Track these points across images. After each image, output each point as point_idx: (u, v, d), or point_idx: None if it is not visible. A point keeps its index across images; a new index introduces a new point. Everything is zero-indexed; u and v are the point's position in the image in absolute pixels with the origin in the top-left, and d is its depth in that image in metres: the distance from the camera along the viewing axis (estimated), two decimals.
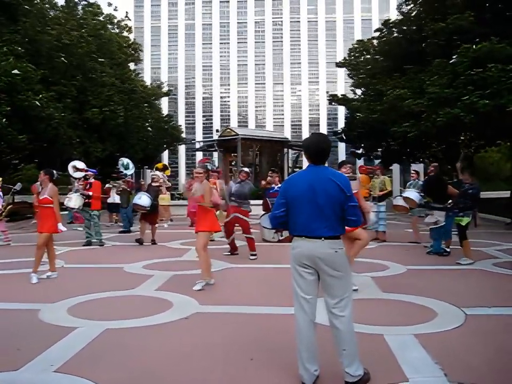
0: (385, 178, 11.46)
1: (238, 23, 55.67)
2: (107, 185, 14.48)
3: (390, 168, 32.66)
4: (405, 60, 19.07)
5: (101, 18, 27.77)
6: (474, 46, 14.72)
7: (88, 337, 4.26)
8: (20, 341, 4.19)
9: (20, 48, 17.88)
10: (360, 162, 32.19)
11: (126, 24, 31.32)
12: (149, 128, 28.58)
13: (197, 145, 34.30)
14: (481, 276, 7.11)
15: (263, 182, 12.20)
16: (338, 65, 29.84)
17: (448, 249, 9.00)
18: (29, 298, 5.88)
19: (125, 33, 31.41)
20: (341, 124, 37.98)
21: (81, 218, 12.57)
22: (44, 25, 20.04)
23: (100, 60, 23.47)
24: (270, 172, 12.79)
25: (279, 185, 10.85)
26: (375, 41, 25.05)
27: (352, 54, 27.69)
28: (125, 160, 14.45)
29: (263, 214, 10.58)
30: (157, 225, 11.79)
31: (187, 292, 5.92)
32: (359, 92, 27.37)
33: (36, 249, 6.96)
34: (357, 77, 26.82)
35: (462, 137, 18.74)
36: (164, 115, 35.11)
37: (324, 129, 49.88)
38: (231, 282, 6.74)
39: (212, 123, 54.17)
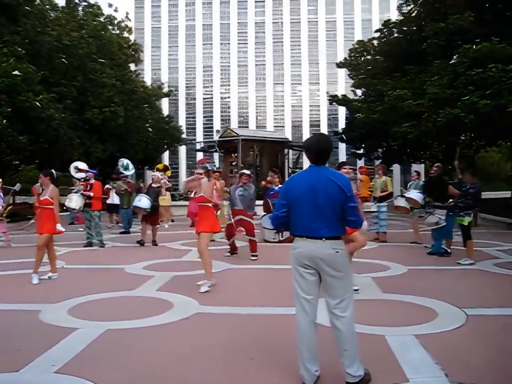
0: (386, 179, 11.46)
1: (238, 23, 55.66)
2: (106, 186, 14.48)
3: (391, 168, 32.64)
4: (405, 60, 19.08)
5: (101, 19, 27.81)
6: (474, 46, 14.73)
7: (89, 338, 4.26)
8: (20, 342, 4.19)
9: (20, 49, 17.89)
10: (360, 162, 32.22)
11: (126, 25, 31.37)
12: (149, 129, 28.58)
13: (198, 146, 34.34)
14: (482, 276, 7.11)
15: (263, 182, 12.19)
16: (339, 65, 29.85)
17: (449, 250, 9.00)
18: (30, 299, 5.88)
19: (125, 34, 31.45)
20: (342, 124, 37.97)
21: (82, 218, 12.58)
22: (44, 26, 20.07)
23: (100, 60, 23.48)
24: (270, 172, 12.79)
25: (279, 186, 10.86)
26: (375, 42, 25.06)
27: (352, 54, 27.69)
28: (125, 161, 14.45)
29: (264, 215, 10.58)
30: (158, 225, 11.79)
31: (187, 293, 5.92)
32: (359, 92, 27.38)
33: (37, 250, 6.96)
34: (357, 78, 26.81)
35: (462, 137, 18.72)
36: (164, 116, 35.14)
37: (324, 129, 49.85)
38: (232, 283, 6.74)
39: (212, 124, 54.16)
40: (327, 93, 37.06)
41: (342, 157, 43.63)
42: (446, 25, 16.24)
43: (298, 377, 3.27)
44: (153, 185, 11.48)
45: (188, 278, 6.91)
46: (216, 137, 34.61)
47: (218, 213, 12.98)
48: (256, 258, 8.75)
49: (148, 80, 44.26)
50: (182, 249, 10.26)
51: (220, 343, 4.12)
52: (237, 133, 25.10)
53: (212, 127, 52.76)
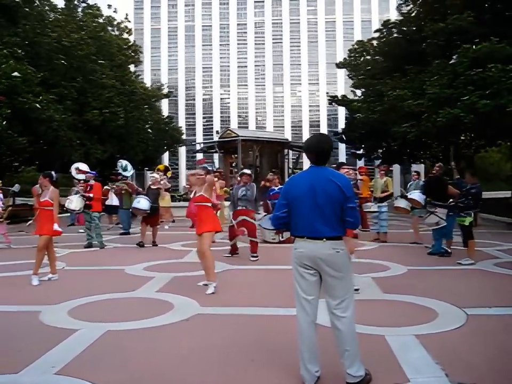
0: (387, 180, 11.46)
1: (237, 24, 55.71)
2: (105, 187, 14.48)
3: (391, 168, 32.66)
4: (405, 60, 19.08)
5: (100, 20, 27.82)
6: (474, 46, 14.73)
7: (89, 339, 4.26)
8: (20, 343, 4.19)
9: (20, 51, 17.92)
10: (360, 163, 32.22)
11: (125, 26, 31.36)
12: (149, 130, 28.60)
13: (197, 147, 34.33)
14: (482, 276, 7.10)
15: (263, 182, 12.17)
16: (338, 66, 29.88)
17: (449, 250, 9.00)
18: (30, 300, 5.88)
19: (125, 35, 31.44)
20: (341, 124, 38.02)
21: (83, 220, 12.58)
22: (43, 28, 20.09)
23: (99, 61, 23.50)
24: (270, 173, 12.78)
25: (279, 186, 10.86)
26: (375, 42, 25.06)
27: (352, 54, 27.70)
28: (124, 162, 14.46)
29: (264, 215, 10.57)
30: (158, 226, 11.78)
31: (188, 294, 5.92)
32: (359, 92, 27.37)
33: (37, 251, 6.96)
34: (357, 78, 26.82)
35: (462, 137, 18.74)
36: (164, 117, 35.16)
37: (324, 130, 49.88)
38: (232, 283, 6.73)
39: (212, 124, 54.20)
40: (327, 93, 37.07)
41: (342, 157, 43.67)
42: (446, 25, 16.25)
43: (298, 377, 3.27)
44: (152, 186, 11.46)
45: (188, 279, 6.91)
46: (216, 137, 34.62)
47: (218, 213, 13.04)
48: (257, 259, 8.75)
49: (148, 81, 44.33)
50: (183, 250, 10.25)
51: (220, 344, 4.12)
52: (236, 134, 25.10)
53: (212, 128, 52.79)
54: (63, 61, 20.11)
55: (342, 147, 41.37)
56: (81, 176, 11.71)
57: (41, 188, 7.22)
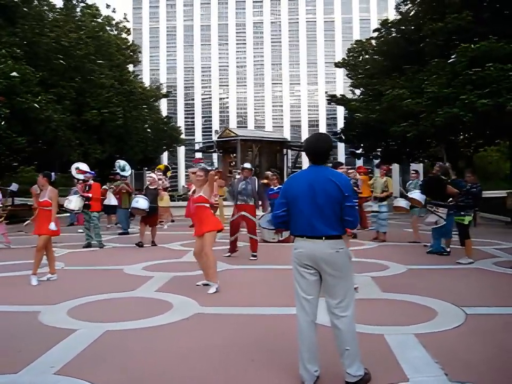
0: (387, 180, 11.46)
1: (236, 24, 55.65)
2: (103, 187, 14.49)
3: (390, 167, 32.65)
4: (404, 59, 19.11)
5: (99, 20, 27.82)
6: (472, 45, 14.74)
7: (88, 339, 4.25)
8: (19, 343, 4.18)
9: (18, 51, 17.90)
10: (359, 162, 32.22)
11: (124, 26, 31.35)
12: (148, 130, 28.60)
13: (196, 146, 34.26)
14: (481, 275, 7.11)
15: (264, 180, 12.16)
16: (337, 65, 29.90)
17: (448, 249, 9.01)
18: (29, 300, 5.87)
19: (124, 35, 31.43)
20: (340, 124, 37.95)
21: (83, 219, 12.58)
22: (42, 28, 20.08)
23: (98, 61, 23.50)
24: (268, 171, 12.76)
25: (278, 186, 10.86)
26: (373, 41, 25.10)
27: (350, 54, 27.74)
28: (121, 162, 14.46)
29: (263, 215, 10.57)
30: (157, 226, 11.78)
31: (187, 293, 5.91)
32: (358, 92, 27.40)
33: (36, 251, 6.96)
34: (355, 77, 26.85)
35: (461, 136, 18.77)
36: (163, 116, 35.14)
37: (323, 129, 49.82)
38: (231, 283, 6.72)
39: (211, 124, 54.12)
40: (326, 92, 37.08)
41: (341, 156, 43.64)
42: (444, 24, 16.27)
43: (298, 377, 3.27)
44: (150, 186, 11.44)
45: (188, 278, 6.91)
46: (214, 137, 34.59)
47: (218, 212, 13.03)
48: (256, 258, 8.75)
49: (146, 81, 44.27)
50: (182, 249, 10.24)
51: (219, 344, 4.12)
52: (235, 133, 25.08)
53: (211, 128, 52.71)
54: (61, 61, 20.10)
55: (341, 146, 41.36)
56: (81, 176, 11.71)
57: (39, 188, 7.22)
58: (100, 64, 23.67)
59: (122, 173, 14.10)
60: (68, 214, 15.30)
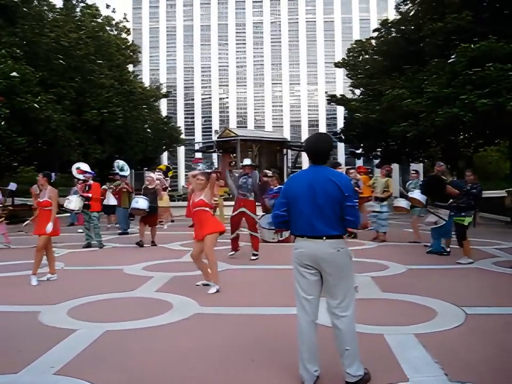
0: (388, 180, 11.45)
1: (236, 24, 55.64)
2: (103, 187, 14.50)
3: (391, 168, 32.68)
4: (403, 59, 19.12)
5: (99, 20, 27.83)
6: (472, 46, 14.75)
7: (88, 339, 4.25)
8: (19, 343, 4.18)
9: (18, 51, 17.90)
10: (359, 162, 32.20)
11: (124, 26, 31.36)
12: (148, 130, 28.60)
13: (196, 147, 34.25)
14: (481, 275, 7.11)
15: (264, 178, 12.13)
16: (337, 65, 29.91)
17: (448, 249, 9.01)
18: (29, 300, 5.87)
19: (123, 35, 31.44)
20: (340, 124, 37.93)
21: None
22: (42, 28, 20.08)
23: (98, 61, 23.51)
24: (267, 169, 12.74)
25: (278, 186, 10.87)
26: (373, 41, 25.10)
27: (350, 54, 27.75)
28: (120, 162, 14.46)
29: (263, 215, 10.58)
30: (157, 226, 11.78)
31: (187, 293, 5.91)
32: (357, 92, 27.40)
33: (36, 251, 6.96)
34: (355, 77, 26.85)
35: (461, 136, 18.78)
36: (162, 116, 35.14)
37: (323, 129, 49.80)
38: (231, 283, 6.72)
39: (211, 124, 54.11)
40: (326, 92, 37.12)
41: (341, 156, 43.65)
42: (444, 24, 16.28)
43: (298, 377, 3.27)
44: (148, 186, 11.42)
45: (188, 278, 6.91)
46: (214, 137, 34.58)
47: (218, 212, 13.02)
48: (256, 257, 8.74)
49: (146, 81, 44.28)
50: (181, 250, 10.24)
51: (219, 344, 4.12)
52: (235, 133, 25.07)
53: (211, 128, 52.69)
54: (61, 61, 20.11)
55: (340, 146, 41.37)
56: (81, 176, 11.71)
57: (39, 188, 7.22)
58: (99, 64, 23.68)
59: (121, 173, 14.10)
60: (69, 214, 15.30)
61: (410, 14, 21.19)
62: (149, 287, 6.46)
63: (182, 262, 8.71)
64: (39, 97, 17.49)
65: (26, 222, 10.15)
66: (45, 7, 23.50)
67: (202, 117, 55.20)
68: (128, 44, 31.95)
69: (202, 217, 6.29)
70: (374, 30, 24.87)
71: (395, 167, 38.00)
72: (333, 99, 28.50)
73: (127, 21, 32.61)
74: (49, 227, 6.83)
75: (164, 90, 37.78)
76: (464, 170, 9.52)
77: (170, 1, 55.99)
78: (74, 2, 27.00)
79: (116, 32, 30.17)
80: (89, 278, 7.34)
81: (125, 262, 8.59)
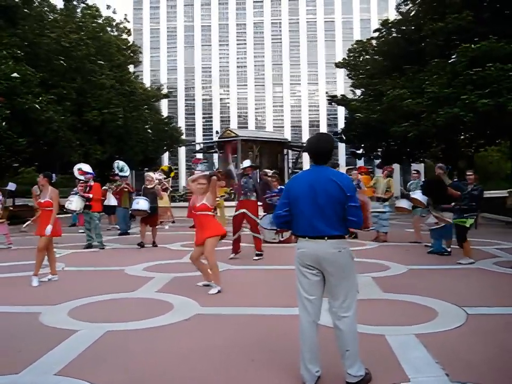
0: (390, 180, 11.44)
1: (237, 24, 55.70)
2: (103, 187, 14.50)
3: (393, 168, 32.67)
4: (404, 59, 19.12)
5: (100, 20, 27.85)
6: (473, 46, 14.75)
7: (89, 339, 4.25)
8: (20, 344, 4.19)
9: (19, 52, 17.91)
10: (360, 162, 32.20)
11: (125, 27, 31.40)
12: (148, 130, 28.62)
13: (197, 147, 34.29)
14: (482, 275, 7.10)
15: (265, 177, 12.13)
16: (338, 65, 29.92)
17: (449, 249, 9.00)
18: (30, 301, 5.87)
19: (124, 36, 31.48)
20: (341, 124, 37.99)
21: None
22: (43, 28, 20.11)
23: (99, 62, 23.53)
24: (268, 171, 12.74)
25: (279, 187, 10.87)
26: (374, 42, 25.11)
27: (351, 54, 27.76)
28: (120, 163, 14.47)
29: (263, 215, 10.57)
30: (157, 226, 11.77)
31: (188, 294, 5.91)
32: (358, 92, 27.40)
33: (37, 252, 6.95)
34: (356, 77, 26.86)
35: (462, 136, 18.78)
36: (163, 117, 35.16)
37: (323, 129, 49.86)
38: (233, 283, 6.71)
39: (211, 124, 54.18)
40: (326, 93, 37.10)
41: (342, 157, 43.68)
42: (445, 24, 16.28)
43: (299, 378, 3.27)
44: (148, 186, 11.40)
45: (188, 279, 6.90)
46: (215, 138, 34.60)
47: (219, 213, 13.01)
48: (259, 258, 8.74)
49: (147, 82, 44.36)
50: (182, 250, 10.23)
51: (220, 344, 4.12)
52: (236, 134, 25.08)
53: (211, 128, 52.75)
54: (62, 62, 20.13)
55: (341, 147, 41.39)
56: (81, 177, 11.71)
57: (39, 189, 7.22)
58: (100, 64, 23.70)
59: (121, 174, 14.11)
60: (70, 215, 15.31)
61: (410, 14, 21.20)
62: (149, 288, 6.46)
63: (183, 262, 8.69)
64: (39, 98, 17.51)
65: (27, 223, 10.15)
66: (46, 8, 23.52)
67: (203, 118, 55.28)
68: (129, 44, 32.00)
69: (204, 221, 6.28)
70: (375, 30, 24.88)
71: (396, 167, 38.05)
72: (333, 99, 28.51)
73: (128, 22, 32.66)
74: (48, 229, 6.82)
75: (165, 90, 37.82)
76: (465, 171, 9.50)
77: (171, 2, 56.07)
78: (75, 3, 27.03)
79: (116, 33, 30.21)
80: (90, 279, 7.34)
81: (126, 262, 8.59)
